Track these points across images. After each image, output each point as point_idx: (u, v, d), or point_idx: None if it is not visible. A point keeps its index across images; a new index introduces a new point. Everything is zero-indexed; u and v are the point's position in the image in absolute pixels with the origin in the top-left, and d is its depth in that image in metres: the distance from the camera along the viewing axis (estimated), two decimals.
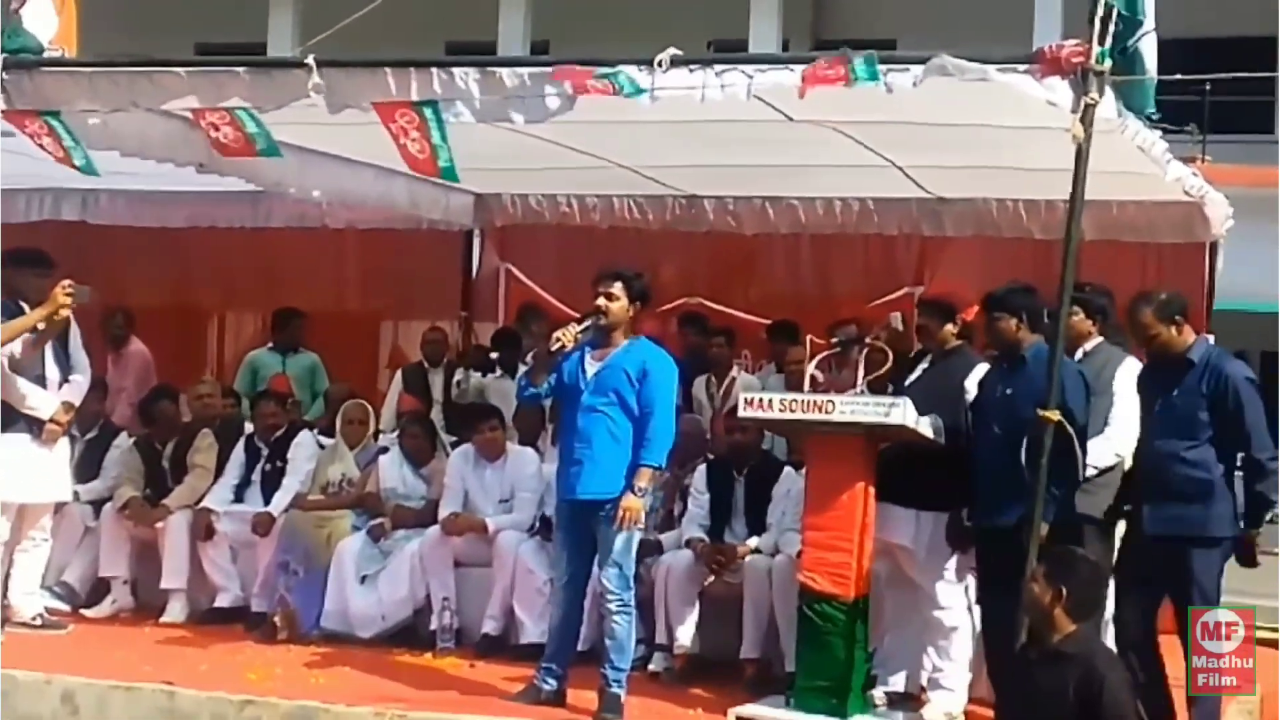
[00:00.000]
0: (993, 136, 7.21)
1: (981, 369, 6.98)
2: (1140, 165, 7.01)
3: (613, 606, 6.83)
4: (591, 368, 6.84)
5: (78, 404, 8.13)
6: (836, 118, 6.97)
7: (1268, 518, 6.36)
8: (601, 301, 6.81)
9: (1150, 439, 6.52)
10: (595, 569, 7.00)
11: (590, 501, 6.82)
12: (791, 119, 6.72)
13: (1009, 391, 6.58)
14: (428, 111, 6.29)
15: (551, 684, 6.97)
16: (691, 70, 5.98)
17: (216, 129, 6.71)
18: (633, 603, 6.90)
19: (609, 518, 6.75)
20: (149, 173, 8.99)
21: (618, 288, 6.82)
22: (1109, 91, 5.83)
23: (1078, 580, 5.39)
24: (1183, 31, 18.21)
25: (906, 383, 7.08)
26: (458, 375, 9.60)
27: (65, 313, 7.81)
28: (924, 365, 7.17)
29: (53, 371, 7.99)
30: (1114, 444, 6.71)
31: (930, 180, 8.87)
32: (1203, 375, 6.40)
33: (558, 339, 6.74)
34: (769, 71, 5.98)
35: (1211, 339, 7.97)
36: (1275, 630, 8.58)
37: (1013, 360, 6.67)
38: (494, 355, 9.74)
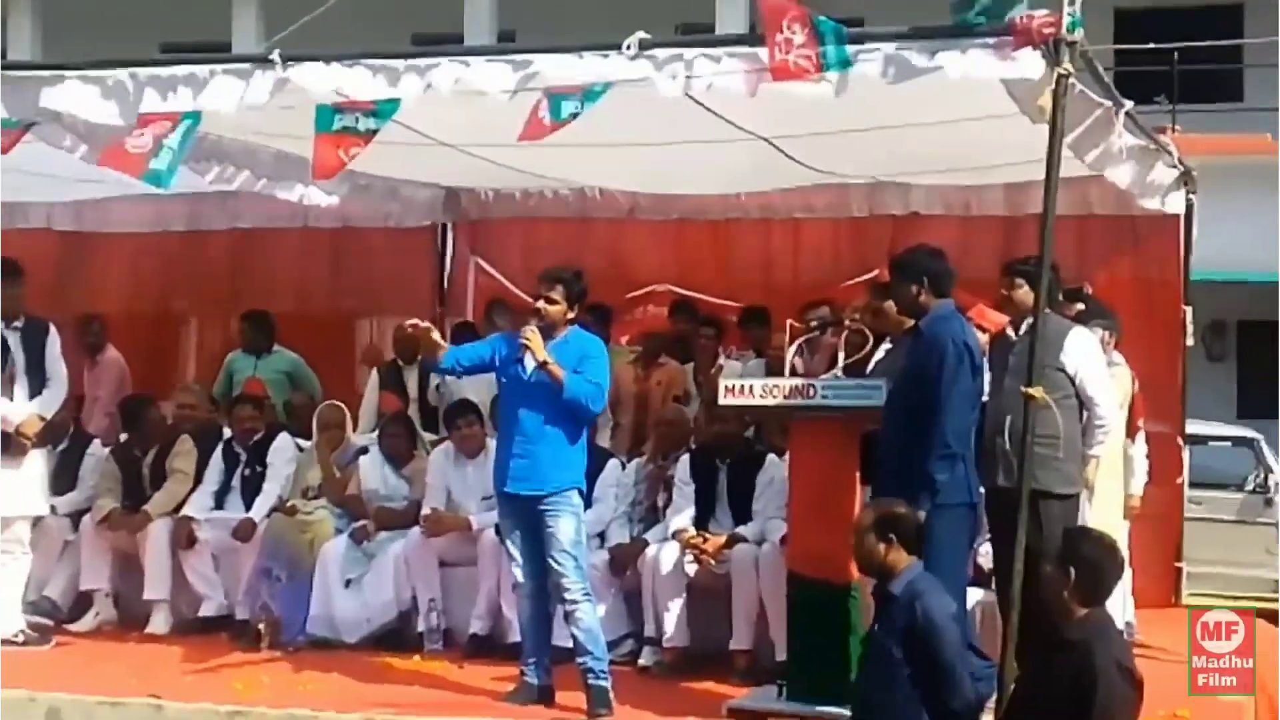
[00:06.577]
0: (953, 132, 7.15)
1: None
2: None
3: (575, 596, 6.83)
4: (532, 363, 6.85)
5: (50, 416, 8.03)
6: (786, 130, 7.08)
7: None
8: (541, 304, 6.92)
9: None
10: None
11: (531, 496, 6.84)
12: (741, 128, 6.73)
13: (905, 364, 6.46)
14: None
15: (542, 677, 6.96)
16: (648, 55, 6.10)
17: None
18: (589, 589, 6.90)
19: (552, 511, 6.79)
20: (114, 178, 8.90)
21: (558, 292, 6.92)
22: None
23: (1084, 561, 5.15)
24: (1151, 1, 18.27)
25: (870, 365, 7.01)
26: (434, 379, 9.47)
27: None
28: (886, 346, 7.08)
29: (23, 382, 7.88)
30: (1109, 427, 6.88)
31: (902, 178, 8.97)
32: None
33: (527, 343, 6.78)
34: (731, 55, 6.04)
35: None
36: (1276, 601, 8.57)
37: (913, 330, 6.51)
38: None
